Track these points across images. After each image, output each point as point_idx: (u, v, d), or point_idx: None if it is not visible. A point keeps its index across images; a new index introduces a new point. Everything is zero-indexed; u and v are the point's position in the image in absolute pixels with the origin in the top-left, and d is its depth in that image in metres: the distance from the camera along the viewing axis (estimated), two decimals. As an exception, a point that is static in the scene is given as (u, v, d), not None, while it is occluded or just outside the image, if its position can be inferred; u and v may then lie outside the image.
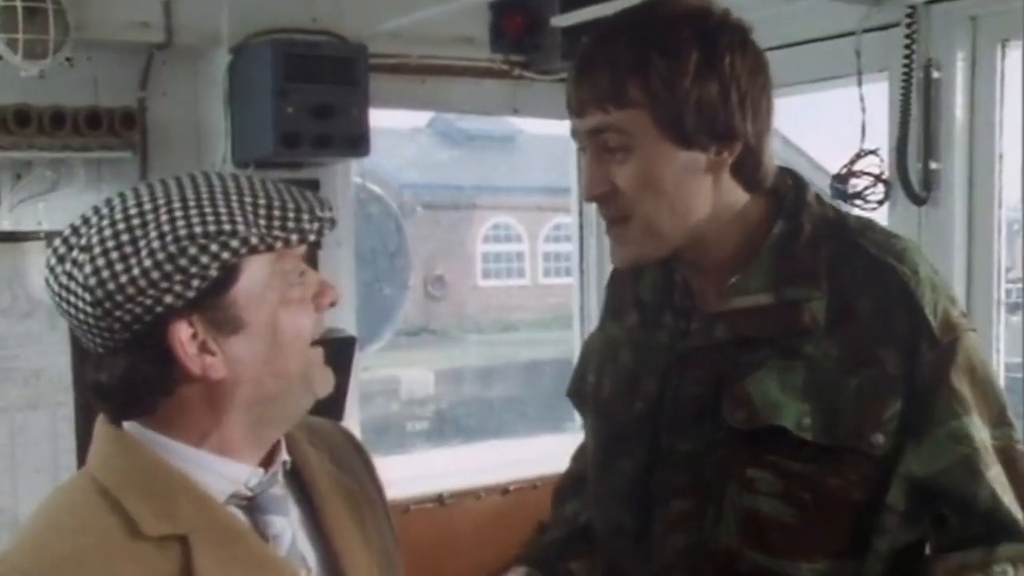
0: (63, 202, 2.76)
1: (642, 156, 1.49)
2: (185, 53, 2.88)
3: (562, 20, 2.96)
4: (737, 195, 1.55)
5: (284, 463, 1.31)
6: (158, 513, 1.19)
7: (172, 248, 1.15)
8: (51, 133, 2.69)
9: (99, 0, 2.67)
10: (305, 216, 1.21)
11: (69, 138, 2.71)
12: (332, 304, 1.28)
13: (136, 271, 1.16)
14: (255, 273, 1.20)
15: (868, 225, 1.58)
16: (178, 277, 1.16)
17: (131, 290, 1.16)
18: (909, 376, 1.47)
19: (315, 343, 1.27)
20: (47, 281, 1.24)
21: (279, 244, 1.20)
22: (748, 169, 1.53)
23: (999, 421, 1.51)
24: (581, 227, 3.66)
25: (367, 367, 4.59)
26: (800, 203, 1.57)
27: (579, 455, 1.90)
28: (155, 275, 1.15)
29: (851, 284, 1.50)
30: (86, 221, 1.20)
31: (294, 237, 1.21)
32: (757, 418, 1.49)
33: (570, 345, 3.77)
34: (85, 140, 2.73)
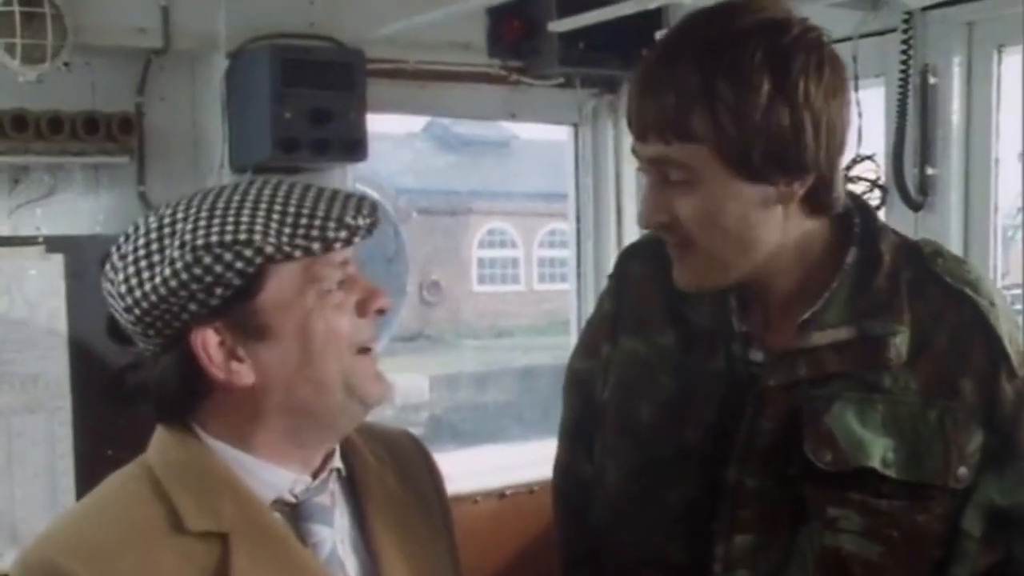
0: (61, 207, 2.76)
1: (705, 191, 1.39)
2: (183, 58, 2.88)
3: (559, 25, 2.97)
4: (805, 223, 1.47)
5: (338, 471, 1.32)
6: (202, 509, 1.21)
7: (188, 257, 1.17)
8: (49, 138, 2.68)
9: (97, 5, 2.67)
10: (331, 224, 1.20)
11: (67, 143, 2.70)
12: (381, 311, 1.27)
13: (158, 280, 1.18)
14: (284, 280, 1.20)
15: (938, 250, 1.53)
16: (196, 286, 1.18)
17: (154, 298, 1.19)
18: (989, 408, 1.45)
19: (363, 350, 1.26)
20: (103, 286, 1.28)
21: (298, 252, 1.19)
22: (819, 197, 1.44)
23: None
24: (578, 232, 3.66)
25: (363, 372, 4.57)
26: (873, 229, 1.51)
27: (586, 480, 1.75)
28: (173, 283, 1.18)
29: (929, 315, 1.46)
30: (136, 228, 1.24)
31: (316, 245, 1.20)
32: (844, 459, 1.44)
33: (565, 351, 3.75)
34: (83, 145, 2.72)
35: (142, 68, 2.84)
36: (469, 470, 3.52)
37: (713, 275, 1.48)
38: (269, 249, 1.18)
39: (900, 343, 1.44)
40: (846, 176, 2.75)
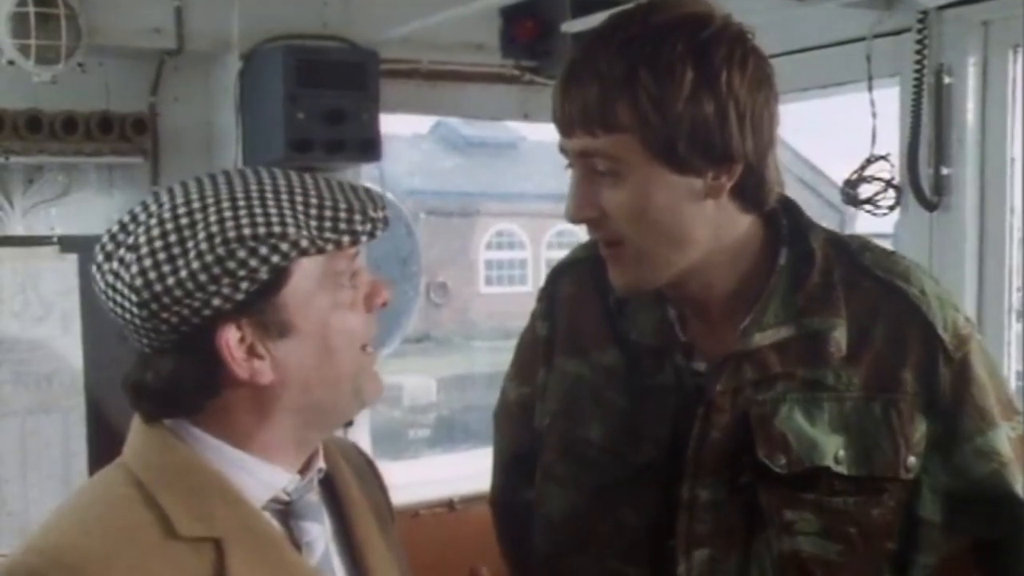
0: (75, 207, 2.77)
1: (633, 184, 1.38)
2: (196, 59, 2.89)
3: (573, 26, 2.96)
4: (738, 219, 1.45)
5: (320, 470, 1.29)
6: (194, 514, 1.16)
7: (221, 250, 1.12)
8: (63, 138, 2.69)
9: (111, 6, 2.68)
10: (357, 216, 1.18)
11: (81, 143, 2.71)
12: (384, 305, 1.25)
13: (184, 273, 1.13)
14: (306, 275, 1.17)
15: (866, 244, 1.54)
16: (226, 280, 1.13)
17: (178, 292, 1.13)
18: (930, 395, 1.46)
19: (366, 347, 1.24)
20: (94, 279, 1.20)
21: (330, 246, 1.17)
22: (749, 190, 1.43)
23: (1012, 413, 1.51)
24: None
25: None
26: (803, 226, 1.51)
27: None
28: (202, 278, 1.13)
29: (865, 309, 1.47)
30: (134, 218, 1.17)
31: (346, 239, 1.17)
32: (799, 461, 1.44)
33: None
34: (97, 145, 2.73)
35: (156, 69, 2.85)
36: (479, 470, 3.51)
37: (646, 273, 1.45)
38: (304, 243, 1.14)
39: (839, 337, 1.45)
40: (860, 176, 2.77)
